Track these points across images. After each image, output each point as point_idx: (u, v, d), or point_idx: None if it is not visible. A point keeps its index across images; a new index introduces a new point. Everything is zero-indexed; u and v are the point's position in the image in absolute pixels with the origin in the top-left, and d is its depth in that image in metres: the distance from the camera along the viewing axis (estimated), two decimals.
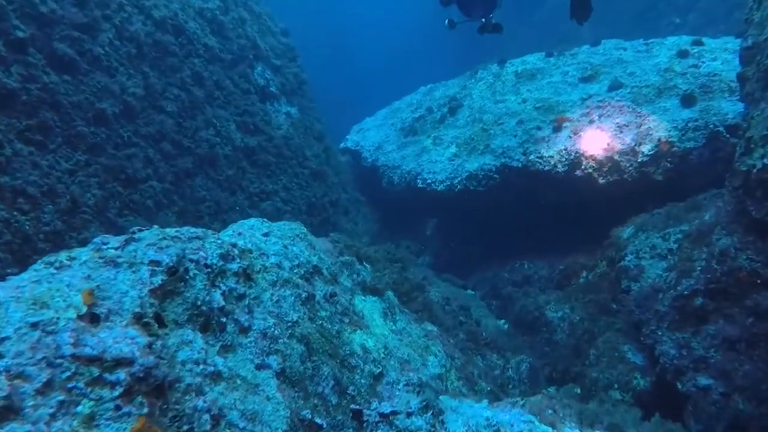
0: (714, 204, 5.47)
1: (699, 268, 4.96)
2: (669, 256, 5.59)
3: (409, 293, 4.27)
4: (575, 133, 8.42)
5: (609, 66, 9.33)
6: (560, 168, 8.30)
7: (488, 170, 9.14)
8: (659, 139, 7.51)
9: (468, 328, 4.55)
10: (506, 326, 9.04)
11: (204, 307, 2.30)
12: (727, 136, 7.07)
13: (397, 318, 3.93)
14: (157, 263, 2.19)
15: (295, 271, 3.16)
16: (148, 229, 2.46)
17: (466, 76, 11.90)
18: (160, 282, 2.13)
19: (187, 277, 2.29)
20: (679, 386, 4.73)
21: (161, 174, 6.19)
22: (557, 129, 8.72)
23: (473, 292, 10.02)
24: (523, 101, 9.76)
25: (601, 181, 7.91)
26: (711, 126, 7.19)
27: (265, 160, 7.99)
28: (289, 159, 8.49)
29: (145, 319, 1.96)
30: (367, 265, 4.19)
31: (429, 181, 9.82)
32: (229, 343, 2.35)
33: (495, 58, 11.49)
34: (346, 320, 3.33)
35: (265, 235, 3.29)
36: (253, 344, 2.45)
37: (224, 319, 2.38)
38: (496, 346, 4.87)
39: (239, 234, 3.12)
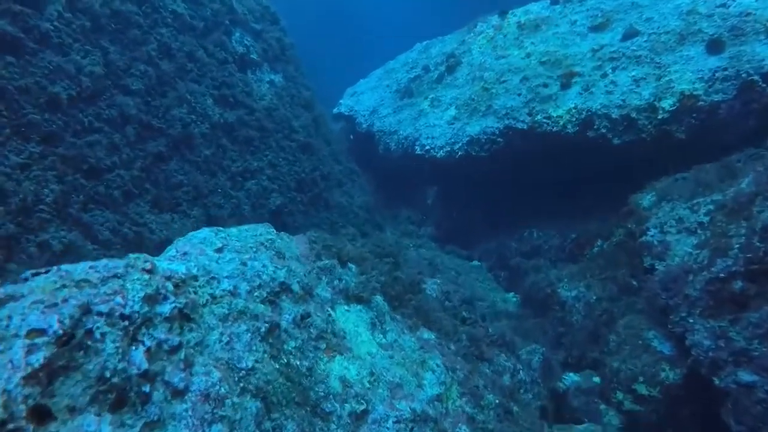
0: (752, 168, 4.81)
1: (737, 245, 4.35)
2: (699, 231, 4.97)
3: (402, 296, 3.72)
4: (586, 90, 7.66)
5: (622, 12, 8.44)
6: (570, 128, 7.60)
7: (491, 133, 8.45)
8: (682, 93, 6.76)
9: (471, 330, 4.02)
10: (515, 299, 8.56)
11: (116, 378, 1.75)
12: (763, 85, 6.30)
13: (388, 328, 3.40)
14: (41, 332, 1.63)
15: (255, 294, 2.61)
16: (45, 272, 1.90)
17: (464, 31, 11.00)
18: (42, 361, 1.58)
19: (89, 342, 1.73)
20: (717, 382, 4.19)
21: (129, 160, 5.59)
22: (566, 85, 7.96)
23: (479, 263, 9.52)
24: (527, 55, 8.94)
25: (615, 141, 7.22)
26: (743, 75, 6.40)
27: (247, 135, 7.35)
28: (274, 132, 7.83)
29: (11, 425, 1.41)
30: (352, 266, 3.64)
31: (427, 147, 9.16)
32: (155, 418, 1.82)
33: (495, 8, 10.57)
34: (323, 345, 2.80)
35: (219, 250, 2.72)
36: (189, 413, 1.92)
37: (148, 387, 1.85)
38: (504, 342, 4.35)
39: (184, 254, 2.55)
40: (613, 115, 7.17)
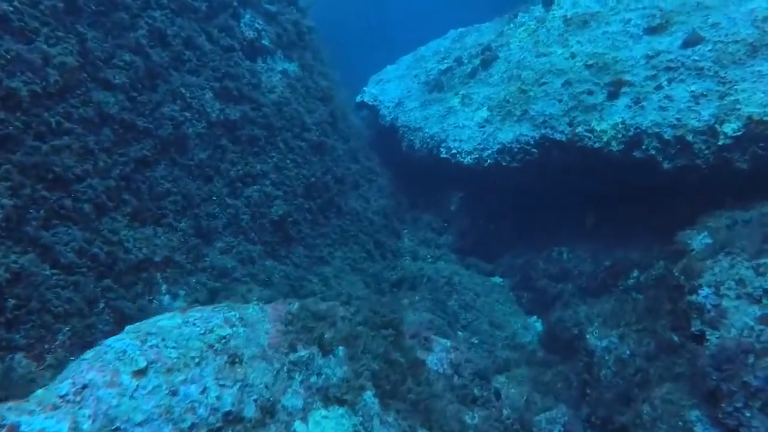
0: None
1: None
2: (765, 301, 4.12)
3: (398, 386, 3.00)
4: (636, 103, 6.67)
5: (685, 13, 7.32)
6: (614, 146, 6.66)
7: (525, 143, 7.55)
8: (749, 117, 5.76)
9: (481, 420, 3.30)
10: (537, 323, 7.80)
11: None
12: None
13: None
14: None
15: None
16: None
17: (503, 20, 9.95)
18: None
19: None
20: None
21: (106, 168, 4.91)
22: (613, 95, 6.97)
23: (501, 280, 8.74)
24: (571, 56, 7.92)
25: (665, 165, 6.27)
26: None
27: (251, 134, 6.59)
28: (283, 130, 7.06)
29: None
30: (339, 350, 2.91)
31: (454, 150, 8.30)
32: None
33: None
34: None
35: (141, 372, 2.01)
36: None
37: None
38: (521, 425, 3.63)
39: (82, 389, 1.85)
40: (666, 136, 6.21)
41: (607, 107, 6.92)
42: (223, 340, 2.40)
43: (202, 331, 2.38)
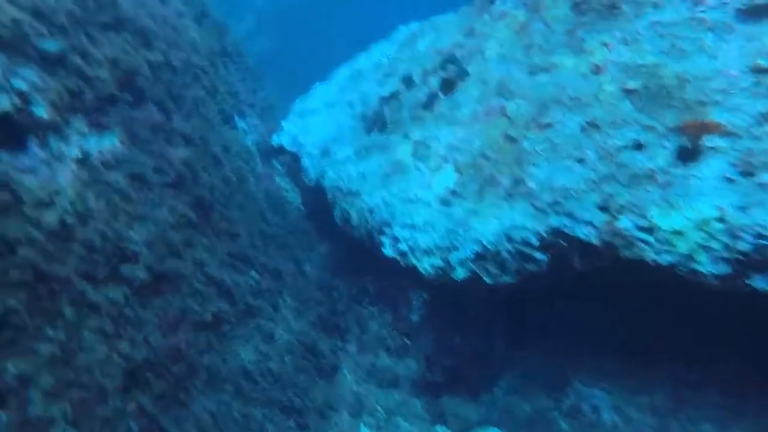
0: None
1: None
2: None
3: None
4: (747, 171, 3.27)
5: None
6: (704, 265, 3.28)
7: (523, 241, 4.16)
8: None
9: None
10: None
11: None
12: None
13: None
14: None
15: None
16: None
17: (474, 8, 6.40)
18: None
19: None
20: None
21: None
22: (690, 154, 3.56)
23: None
24: (594, 70, 4.45)
25: None
26: None
27: None
28: None
29: None
30: None
31: (403, 246, 4.93)
32: None
33: None
34: None
35: None
36: None
37: None
38: None
39: None
40: None
41: (679, 179, 3.52)
42: None
43: None
